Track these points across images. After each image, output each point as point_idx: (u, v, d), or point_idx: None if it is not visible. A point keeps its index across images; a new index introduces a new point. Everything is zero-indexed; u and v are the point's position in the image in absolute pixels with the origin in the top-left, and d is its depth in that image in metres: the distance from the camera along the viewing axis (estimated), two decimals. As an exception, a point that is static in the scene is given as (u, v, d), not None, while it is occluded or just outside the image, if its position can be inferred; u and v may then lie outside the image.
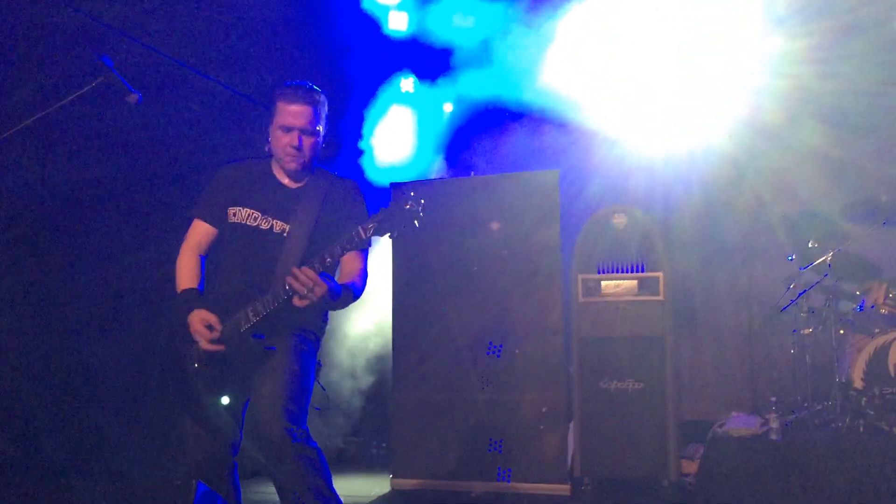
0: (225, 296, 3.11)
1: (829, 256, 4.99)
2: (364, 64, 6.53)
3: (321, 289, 2.86)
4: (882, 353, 4.68)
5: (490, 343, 4.99)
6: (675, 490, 4.68)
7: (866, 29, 5.46)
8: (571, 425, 4.95)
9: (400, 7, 6.60)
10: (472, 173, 5.41)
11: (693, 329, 6.26)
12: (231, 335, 3.01)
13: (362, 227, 2.89)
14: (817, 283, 5.09)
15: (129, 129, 4.78)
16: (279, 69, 5.67)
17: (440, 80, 6.59)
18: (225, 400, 3.07)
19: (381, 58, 6.63)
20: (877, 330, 4.81)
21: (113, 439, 4.64)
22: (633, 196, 5.74)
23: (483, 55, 6.23)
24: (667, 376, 4.78)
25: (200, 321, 2.98)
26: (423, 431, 5.06)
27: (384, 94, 6.67)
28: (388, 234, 2.89)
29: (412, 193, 2.86)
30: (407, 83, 6.77)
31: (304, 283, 2.84)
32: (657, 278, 4.89)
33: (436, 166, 6.69)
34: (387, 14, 6.64)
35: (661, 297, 4.87)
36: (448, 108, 6.81)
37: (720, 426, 5.03)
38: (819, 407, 5.00)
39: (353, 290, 3.11)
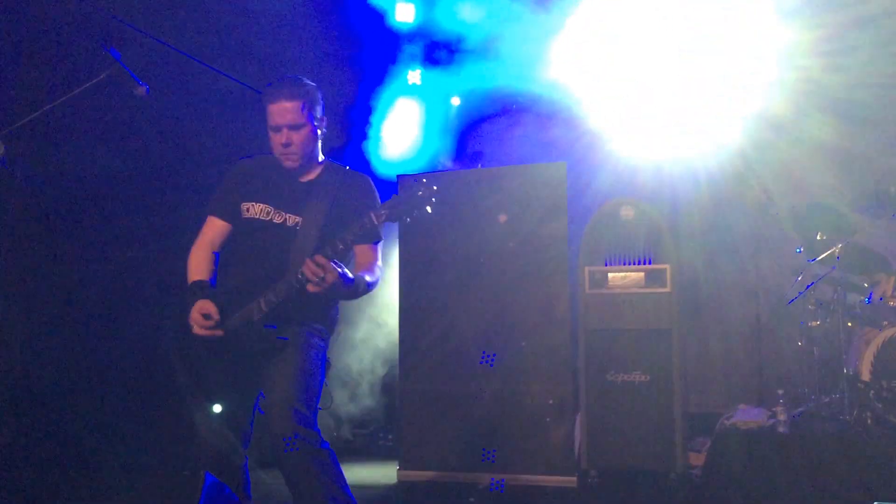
0: (236, 288, 3.13)
1: (837, 249, 4.96)
2: (371, 56, 6.52)
3: (332, 275, 2.87)
4: (890, 345, 4.65)
5: (483, 352, 4.96)
6: (681, 482, 4.67)
7: (875, 21, 5.44)
8: (578, 417, 4.95)
9: (407, -2, 6.59)
10: (480, 165, 5.40)
11: (700, 321, 6.24)
12: (243, 325, 3.03)
13: (374, 213, 2.92)
14: (825, 275, 5.08)
15: (136, 122, 4.79)
16: (288, 61, 5.66)
17: (447, 73, 6.58)
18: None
19: (389, 50, 6.62)
20: (885, 322, 4.78)
21: (122, 431, 4.65)
22: (641, 189, 5.74)
23: (490, 47, 6.21)
24: (674, 369, 4.78)
25: (198, 310, 3.01)
26: (430, 423, 5.06)
27: (391, 86, 6.65)
28: (401, 219, 2.90)
29: (424, 181, 2.89)
30: (414, 75, 6.75)
31: (316, 271, 2.86)
32: (664, 270, 4.89)
33: (442, 158, 6.68)
34: (394, 6, 6.63)
35: (668, 290, 4.86)
36: (456, 101, 6.79)
37: (727, 419, 5.02)
38: (827, 399, 4.99)
39: (366, 281, 3.12)
